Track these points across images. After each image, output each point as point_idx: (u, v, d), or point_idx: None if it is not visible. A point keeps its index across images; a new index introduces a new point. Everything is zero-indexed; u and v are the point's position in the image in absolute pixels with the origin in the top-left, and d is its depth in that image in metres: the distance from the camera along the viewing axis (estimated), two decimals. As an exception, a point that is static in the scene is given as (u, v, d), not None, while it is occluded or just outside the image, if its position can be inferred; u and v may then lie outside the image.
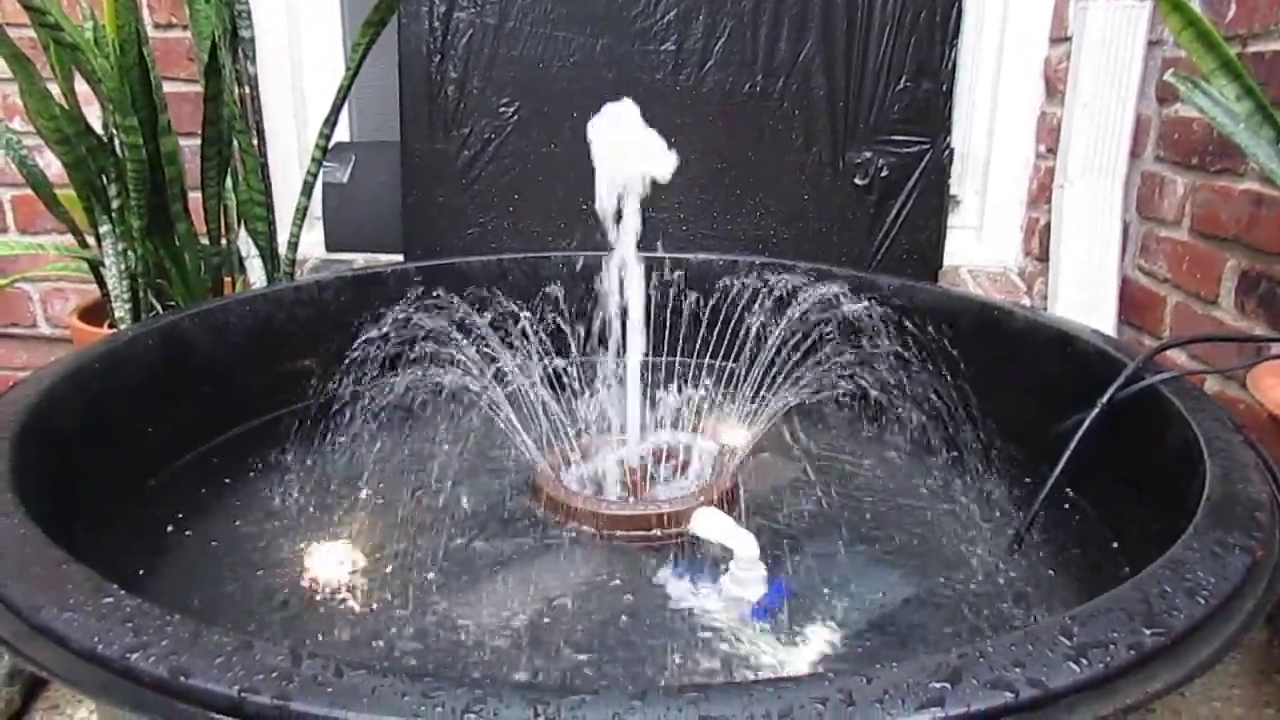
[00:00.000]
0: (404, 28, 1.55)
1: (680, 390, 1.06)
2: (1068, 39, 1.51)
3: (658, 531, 0.90)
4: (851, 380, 1.02)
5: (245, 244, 1.47)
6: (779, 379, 1.04)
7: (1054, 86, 1.59)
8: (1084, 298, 1.46)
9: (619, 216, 0.96)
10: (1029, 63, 1.64)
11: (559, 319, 1.15)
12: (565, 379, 1.08)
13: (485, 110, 1.57)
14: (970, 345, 1.13)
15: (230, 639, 0.51)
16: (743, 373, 1.07)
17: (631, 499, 0.97)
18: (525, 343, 1.10)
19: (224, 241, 1.45)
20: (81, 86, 1.31)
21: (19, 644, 0.53)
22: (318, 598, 0.83)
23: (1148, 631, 0.53)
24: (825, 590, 0.83)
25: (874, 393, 1.02)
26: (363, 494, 1.01)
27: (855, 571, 0.87)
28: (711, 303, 1.21)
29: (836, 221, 1.60)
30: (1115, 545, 0.90)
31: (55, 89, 1.30)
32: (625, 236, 0.97)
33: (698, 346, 1.22)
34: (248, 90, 1.42)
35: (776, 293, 1.12)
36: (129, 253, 1.33)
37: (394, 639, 0.77)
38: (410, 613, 0.80)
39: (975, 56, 1.67)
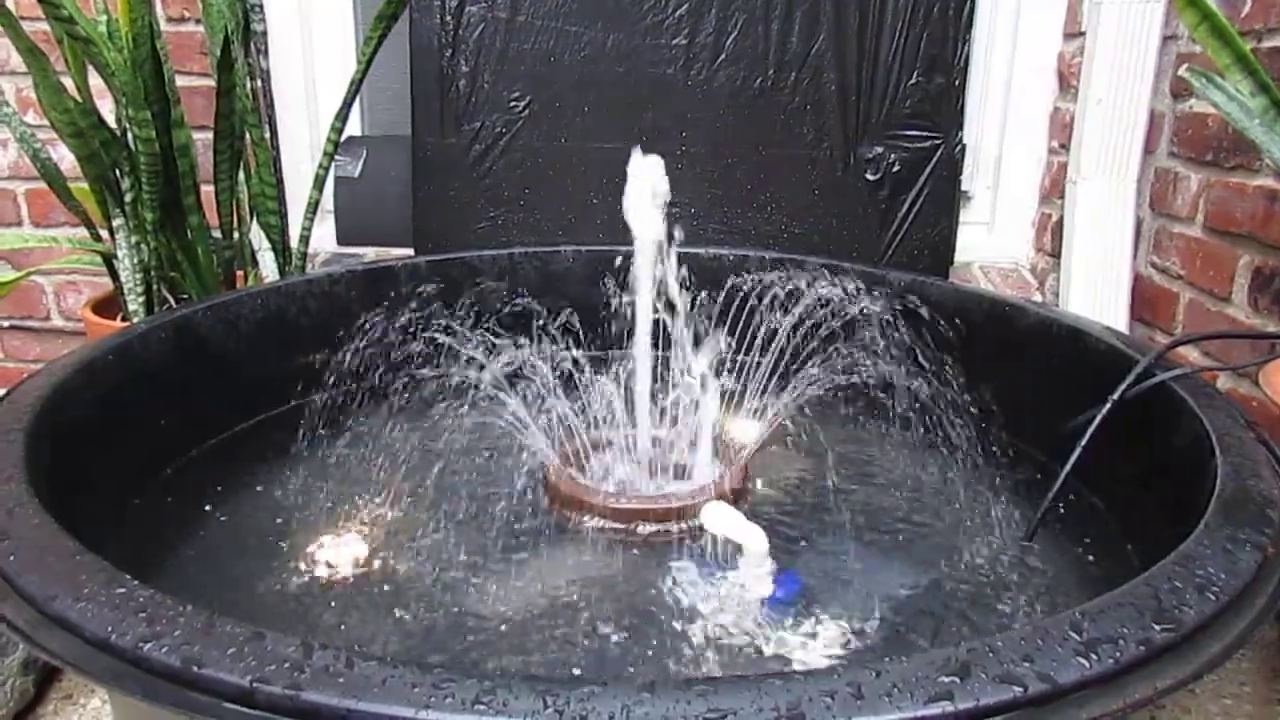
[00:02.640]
0: (415, 22, 1.55)
1: (690, 385, 1.06)
2: (1081, 34, 1.51)
3: (667, 525, 0.90)
4: (862, 376, 1.02)
5: (257, 237, 1.48)
6: (789, 374, 1.04)
7: (1067, 82, 1.58)
8: (1096, 294, 1.46)
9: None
10: (1042, 58, 1.63)
11: (569, 313, 1.15)
12: (576, 373, 1.08)
13: (496, 104, 1.57)
14: (981, 341, 1.13)
15: (242, 629, 0.51)
16: (753, 367, 1.07)
17: (641, 493, 0.97)
18: (536, 337, 1.10)
19: (236, 235, 1.46)
20: (95, 80, 1.32)
21: (33, 633, 0.54)
22: (330, 588, 0.83)
23: (1157, 627, 0.53)
24: (834, 584, 0.83)
25: (884, 388, 1.02)
26: (375, 486, 1.01)
27: (864, 565, 0.87)
28: (721, 298, 1.21)
29: (848, 217, 1.60)
30: (1126, 541, 0.90)
31: (69, 82, 1.30)
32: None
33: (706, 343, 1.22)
34: (260, 84, 1.43)
35: (787, 287, 1.11)
36: (142, 246, 1.33)
37: (405, 630, 0.77)
38: (421, 604, 0.80)
39: (988, 51, 1.66)
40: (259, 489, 1.00)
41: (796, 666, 0.73)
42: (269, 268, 1.48)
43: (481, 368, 1.00)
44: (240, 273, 1.48)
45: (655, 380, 1.02)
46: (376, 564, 0.87)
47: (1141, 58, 1.39)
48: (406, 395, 1.11)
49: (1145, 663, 0.51)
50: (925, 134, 1.57)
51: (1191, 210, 1.31)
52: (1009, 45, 1.65)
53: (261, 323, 1.16)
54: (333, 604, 0.81)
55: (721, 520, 0.87)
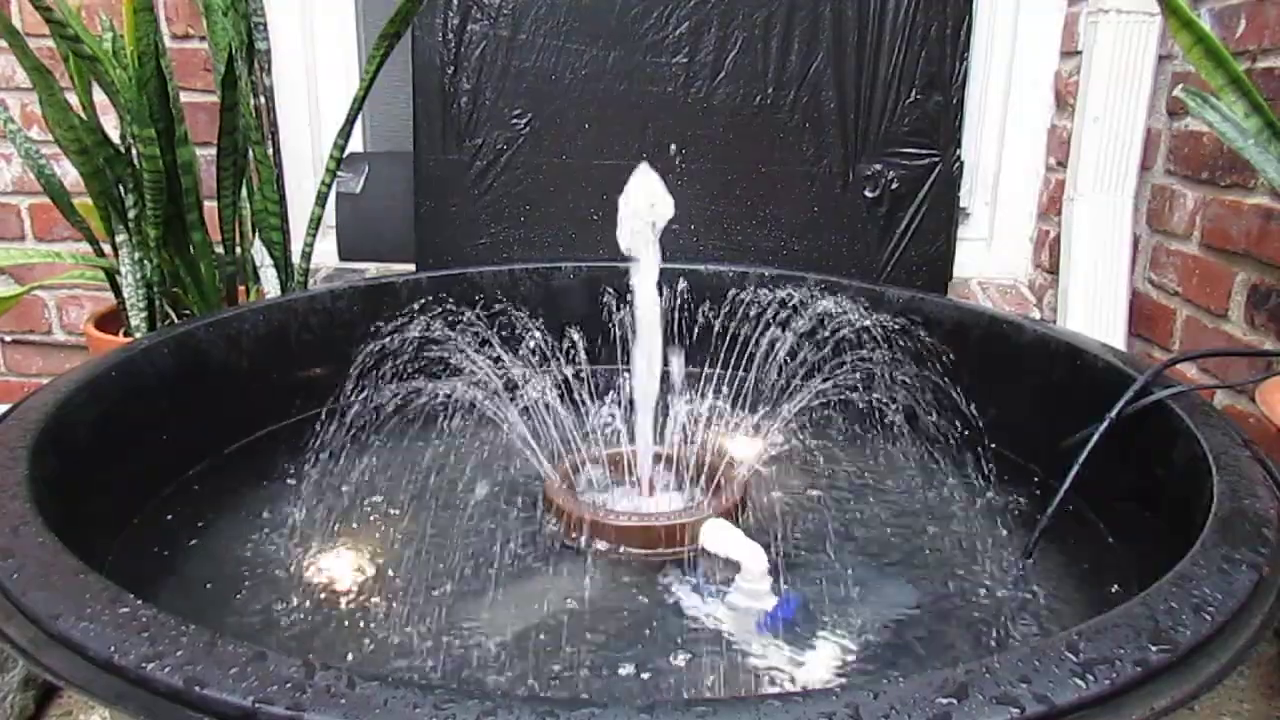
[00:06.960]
0: (418, 40, 1.56)
1: (690, 401, 1.07)
2: (1078, 53, 1.52)
3: (667, 544, 0.90)
4: (860, 393, 1.02)
5: (259, 253, 1.48)
6: (788, 390, 1.04)
7: (1064, 100, 1.59)
8: (1094, 310, 1.46)
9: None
10: (1039, 76, 1.64)
11: (569, 328, 1.15)
12: (575, 389, 1.08)
13: (498, 121, 1.58)
14: (979, 358, 1.13)
15: (244, 649, 0.51)
16: (752, 384, 1.08)
17: (641, 511, 0.97)
18: (535, 352, 1.10)
19: (238, 251, 1.46)
20: (100, 97, 1.33)
21: (36, 653, 0.54)
22: (330, 607, 0.83)
23: (1154, 648, 0.53)
24: (833, 603, 0.83)
25: (882, 405, 1.03)
26: (375, 503, 1.01)
27: (864, 584, 0.87)
28: (722, 313, 1.22)
29: (847, 233, 1.61)
30: (1122, 560, 0.90)
31: (74, 99, 1.31)
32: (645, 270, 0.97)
33: (708, 357, 1.22)
34: (263, 101, 1.44)
35: (787, 304, 1.12)
36: (145, 261, 1.34)
37: (405, 649, 0.77)
38: (421, 623, 0.80)
39: (986, 69, 1.67)
40: (261, 504, 1.00)
41: (794, 687, 0.73)
42: (271, 283, 1.49)
43: (481, 384, 1.01)
44: (242, 288, 1.48)
45: (656, 397, 1.02)
46: (376, 582, 0.87)
47: (1137, 77, 1.40)
48: (408, 410, 1.11)
49: (1142, 683, 0.52)
50: (923, 151, 1.58)
51: (1188, 228, 1.31)
52: (1006, 63, 1.66)
53: (263, 338, 1.16)
54: (333, 622, 0.81)
55: (720, 538, 0.87)
